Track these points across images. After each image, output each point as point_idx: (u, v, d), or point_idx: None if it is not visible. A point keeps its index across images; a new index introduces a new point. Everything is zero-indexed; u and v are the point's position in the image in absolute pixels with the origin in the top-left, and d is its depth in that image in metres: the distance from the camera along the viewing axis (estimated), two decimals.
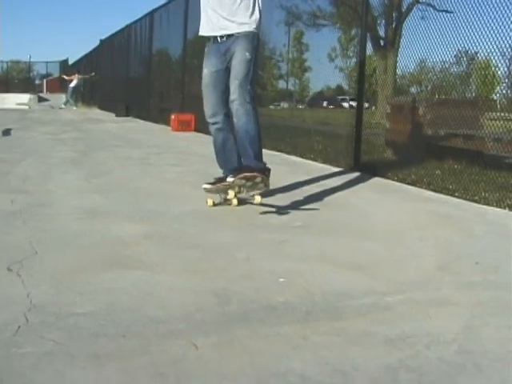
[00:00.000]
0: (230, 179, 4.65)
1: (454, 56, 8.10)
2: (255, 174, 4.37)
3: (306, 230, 4.17)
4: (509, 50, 6.62)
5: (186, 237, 3.90)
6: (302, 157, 8.65)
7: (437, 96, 8.72)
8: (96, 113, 24.24)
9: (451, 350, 2.24)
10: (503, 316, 2.64)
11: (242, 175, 4.39)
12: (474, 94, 8.09)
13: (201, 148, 9.99)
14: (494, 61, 7.12)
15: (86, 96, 33.19)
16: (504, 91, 7.92)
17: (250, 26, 4.72)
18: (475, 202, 5.50)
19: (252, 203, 4.77)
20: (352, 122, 7.83)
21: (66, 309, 2.54)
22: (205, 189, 4.82)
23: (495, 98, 8.31)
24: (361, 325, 2.47)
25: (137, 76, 22.07)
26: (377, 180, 6.69)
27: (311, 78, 13.34)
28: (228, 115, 4.78)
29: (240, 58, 4.65)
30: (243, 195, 4.83)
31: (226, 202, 4.88)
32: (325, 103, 16.88)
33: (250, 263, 3.34)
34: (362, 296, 2.82)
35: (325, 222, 4.42)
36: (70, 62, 47.88)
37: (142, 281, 2.95)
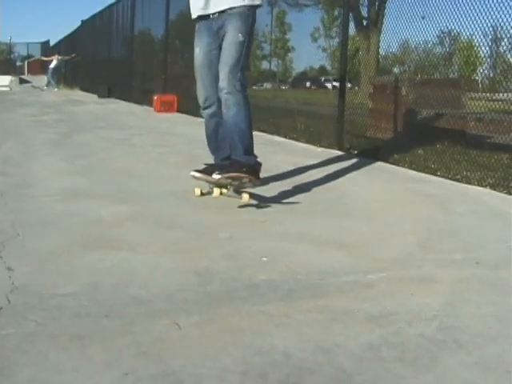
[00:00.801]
0: (215, 176, 4.14)
1: (437, 36, 8.12)
2: (241, 174, 4.06)
3: (289, 209, 4.18)
4: (491, 30, 6.64)
5: (168, 217, 3.90)
6: (285, 137, 8.65)
7: (419, 76, 8.74)
8: (78, 94, 24.06)
9: (432, 327, 2.26)
10: (484, 293, 2.67)
11: (227, 175, 4.06)
12: (456, 75, 8.11)
13: (183, 129, 9.98)
14: (476, 41, 7.14)
15: (67, 77, 32.92)
16: (486, 72, 7.95)
17: (245, 1, 4.19)
18: (457, 180, 5.54)
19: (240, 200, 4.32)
20: (335, 103, 7.84)
21: (49, 290, 2.54)
22: (193, 176, 4.31)
23: (477, 78, 8.35)
24: (343, 302, 2.49)
25: (119, 57, 21.92)
26: (359, 159, 6.70)
27: (294, 58, 13.34)
28: (219, 99, 4.28)
29: (231, 40, 4.16)
30: (229, 193, 4.42)
31: (217, 193, 4.49)
32: (308, 84, 16.88)
33: (233, 243, 3.35)
34: (344, 274, 2.84)
35: (307, 201, 4.42)
36: (52, 44, 47.50)
37: (124, 261, 2.95)
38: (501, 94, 7.32)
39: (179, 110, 13.40)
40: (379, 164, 6.43)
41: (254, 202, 4.31)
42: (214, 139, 4.48)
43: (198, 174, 4.30)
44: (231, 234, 3.51)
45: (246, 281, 2.71)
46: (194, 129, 10.07)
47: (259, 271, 2.84)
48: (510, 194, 4.98)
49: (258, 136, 8.12)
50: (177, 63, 16.20)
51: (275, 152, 7.03)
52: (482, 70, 8.16)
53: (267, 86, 15.62)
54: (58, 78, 30.99)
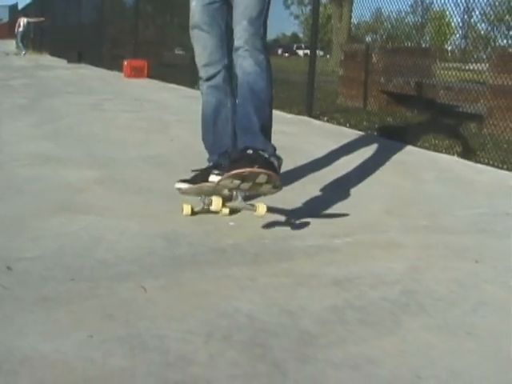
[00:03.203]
0: (213, 178, 3.14)
1: (410, 6, 8.14)
2: (255, 169, 2.69)
3: None
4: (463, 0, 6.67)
5: (136, 181, 3.89)
6: None
7: (390, 44, 8.77)
8: (47, 59, 23.73)
9: (396, 290, 2.30)
10: (448, 258, 2.71)
11: (233, 172, 2.68)
12: (427, 44, 8.15)
13: (154, 94, 9.92)
14: (448, 11, 7.17)
15: (36, 42, 32.41)
16: (457, 42, 7.99)
17: None
18: (425, 148, 5.58)
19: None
20: (305, 70, 7.83)
21: (15, 254, 2.53)
22: (179, 189, 3.29)
23: (449, 48, 8.39)
24: (309, 266, 2.51)
25: (89, 21, 21.64)
26: (329, 126, 6.72)
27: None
28: (230, 69, 3.29)
29: None
30: (238, 203, 3.01)
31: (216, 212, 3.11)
32: (279, 51, 16.84)
33: None
34: (310, 238, 2.86)
35: None
36: (20, 7, 46.71)
37: (91, 225, 2.94)
38: (471, 65, 7.37)
39: (150, 76, 13.30)
40: (349, 130, 6.45)
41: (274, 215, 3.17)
42: (212, 125, 3.34)
43: (185, 186, 3.28)
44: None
45: (213, 245, 2.72)
46: (164, 94, 10.03)
47: (226, 235, 2.86)
48: (477, 162, 5.04)
49: None
50: (148, 28, 16.06)
51: None
52: (453, 40, 8.20)
53: None
54: (27, 42, 30.47)
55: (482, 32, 7.42)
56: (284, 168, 4.10)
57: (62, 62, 20.71)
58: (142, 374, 1.66)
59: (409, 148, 5.61)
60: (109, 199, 3.45)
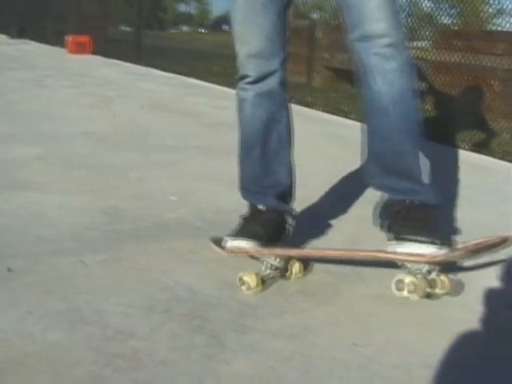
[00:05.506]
0: (436, 252, 1.96)
1: None
2: (495, 240, 2.05)
3: (202, 150, 4.18)
4: None
5: (78, 157, 3.85)
6: (201, 79, 8.58)
7: (335, 21, 8.79)
8: None
9: (336, 261, 2.32)
10: None
11: (474, 246, 2.01)
12: None
13: (96, 70, 9.80)
14: None
15: None
16: (404, 20, 8.06)
17: None
18: None
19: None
20: None
21: None
22: (235, 251, 2.18)
23: None
24: None
25: None
26: None
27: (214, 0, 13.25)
28: (285, 66, 2.34)
29: None
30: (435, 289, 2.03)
31: (283, 273, 2.16)
32: (227, 27, 16.81)
33: (143, 183, 3.34)
34: None
35: (220, 142, 4.42)
36: None
37: (31, 202, 2.91)
38: (414, 42, 7.45)
39: (93, 52, 13.12)
40: (293, 106, 6.45)
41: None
42: (261, 150, 2.32)
43: (250, 246, 2.16)
44: (142, 174, 3.50)
45: (155, 220, 2.72)
46: (107, 70, 9.91)
47: (168, 210, 2.86)
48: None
49: (173, 78, 8.09)
50: (92, 3, 15.80)
51: (189, 94, 6.99)
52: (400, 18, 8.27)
53: (185, 28, 15.44)
54: None
55: (426, 10, 7.49)
56: (227, 142, 4.09)
57: (3, 38, 20.25)
58: (81, 348, 1.66)
59: (353, 123, 5.65)
60: (50, 175, 3.41)
